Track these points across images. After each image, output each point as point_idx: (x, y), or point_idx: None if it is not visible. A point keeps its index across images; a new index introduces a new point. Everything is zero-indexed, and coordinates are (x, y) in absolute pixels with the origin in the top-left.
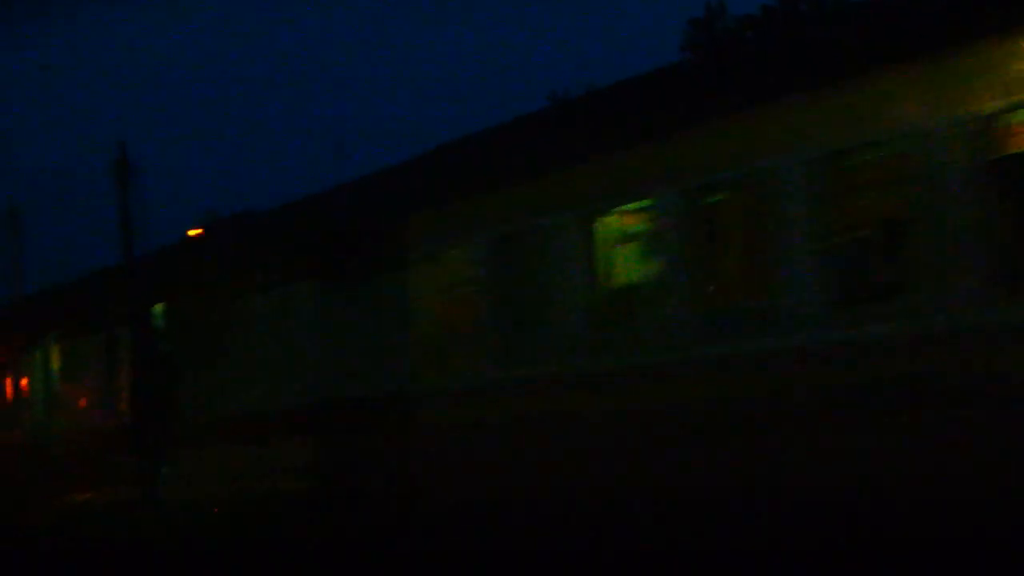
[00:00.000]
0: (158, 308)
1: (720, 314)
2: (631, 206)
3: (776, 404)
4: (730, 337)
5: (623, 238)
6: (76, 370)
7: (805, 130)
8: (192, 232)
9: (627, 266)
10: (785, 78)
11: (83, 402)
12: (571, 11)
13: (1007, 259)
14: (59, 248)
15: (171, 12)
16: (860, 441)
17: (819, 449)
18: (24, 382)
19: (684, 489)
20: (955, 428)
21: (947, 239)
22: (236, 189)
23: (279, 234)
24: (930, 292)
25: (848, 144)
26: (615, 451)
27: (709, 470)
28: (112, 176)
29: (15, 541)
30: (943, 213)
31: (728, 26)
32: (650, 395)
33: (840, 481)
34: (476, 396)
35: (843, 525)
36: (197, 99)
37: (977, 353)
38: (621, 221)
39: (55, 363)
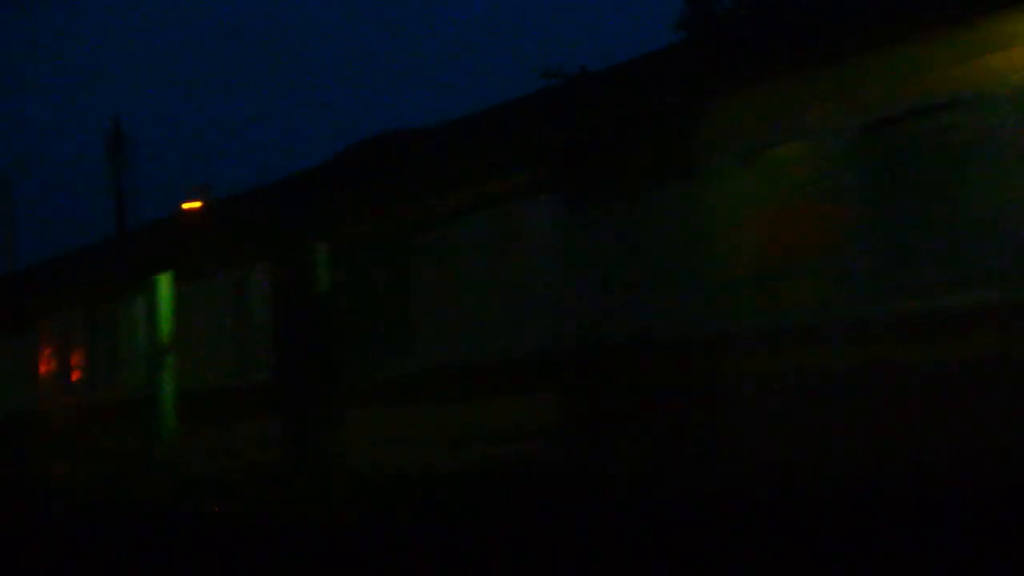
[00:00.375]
0: (312, 242)
1: None
2: None
3: None
4: None
5: None
6: (194, 319)
7: None
8: (187, 205)
9: None
10: None
11: (203, 357)
12: None
13: None
14: (53, 219)
15: None
16: None
17: None
18: (121, 335)
19: None
20: None
21: None
22: (231, 163)
23: (499, 138)
24: None
25: None
26: None
27: None
28: (106, 148)
29: (127, 519)
30: None
31: (726, 5)
32: None
33: None
34: (829, 338)
35: None
36: (192, 70)
37: None
38: None
39: (163, 311)
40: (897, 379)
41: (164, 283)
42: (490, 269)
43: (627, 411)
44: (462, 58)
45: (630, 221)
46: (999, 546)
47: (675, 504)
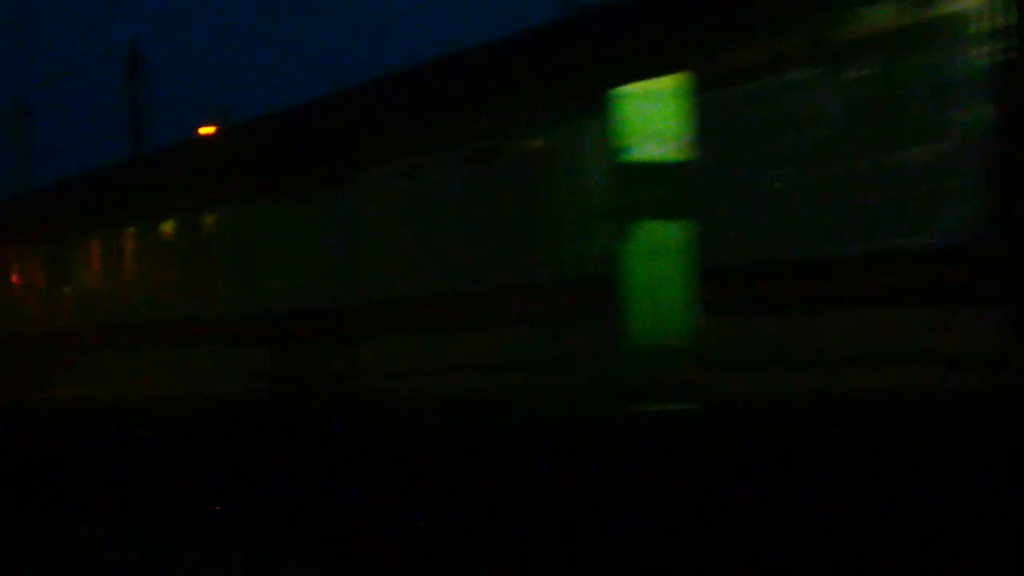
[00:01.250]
0: None
1: None
2: None
3: None
4: None
5: None
6: (742, 151)
7: None
8: (204, 130)
9: None
10: None
11: (761, 212)
12: None
13: None
14: (70, 145)
15: None
16: None
17: None
18: (541, 186)
19: None
20: None
21: None
22: (248, 89)
23: None
24: None
25: None
26: None
27: None
28: (123, 73)
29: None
30: None
31: None
32: None
33: None
34: None
35: None
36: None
37: None
38: None
39: (642, 142)
40: None
41: (656, 97)
42: None
43: None
44: None
45: None
46: None
47: None
